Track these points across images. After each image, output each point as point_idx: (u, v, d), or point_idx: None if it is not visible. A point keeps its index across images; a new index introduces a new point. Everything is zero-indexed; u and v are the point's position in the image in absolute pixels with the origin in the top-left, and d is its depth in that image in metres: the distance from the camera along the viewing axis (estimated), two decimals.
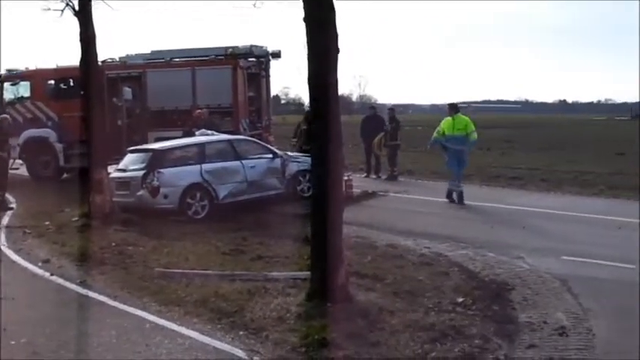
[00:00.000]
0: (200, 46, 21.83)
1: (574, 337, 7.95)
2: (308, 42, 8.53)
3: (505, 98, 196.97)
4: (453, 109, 17.60)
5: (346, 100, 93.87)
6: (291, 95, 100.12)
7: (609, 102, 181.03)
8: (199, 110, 19.45)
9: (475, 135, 17.43)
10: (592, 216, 15.41)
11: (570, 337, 7.92)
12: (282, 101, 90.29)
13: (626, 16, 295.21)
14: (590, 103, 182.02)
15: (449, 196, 17.49)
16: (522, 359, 7.36)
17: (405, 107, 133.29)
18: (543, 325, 8.33)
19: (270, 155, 16.61)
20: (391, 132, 22.34)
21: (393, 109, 24.14)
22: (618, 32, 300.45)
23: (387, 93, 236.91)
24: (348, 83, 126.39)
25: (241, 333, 8.03)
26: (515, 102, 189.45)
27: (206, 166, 15.47)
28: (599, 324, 8.32)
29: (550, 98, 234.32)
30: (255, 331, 8.04)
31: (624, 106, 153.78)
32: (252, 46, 21.24)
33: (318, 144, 8.58)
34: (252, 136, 19.33)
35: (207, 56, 21.27)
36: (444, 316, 8.36)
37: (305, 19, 8.52)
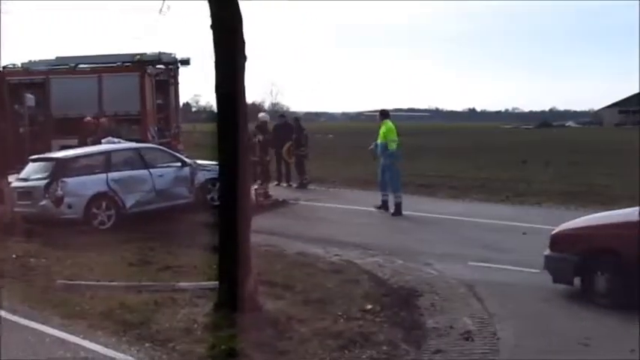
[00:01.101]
0: (107, 52, 21.43)
1: (479, 341, 8.07)
2: (215, 49, 8.44)
3: (416, 106, 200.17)
4: (382, 115, 17.46)
5: (258, 108, 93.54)
6: (202, 103, 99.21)
7: (516, 111, 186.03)
8: (88, 118, 19.01)
9: (393, 145, 17.00)
10: (498, 222, 15.72)
11: (476, 342, 8.04)
12: (193, 109, 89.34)
13: (532, 28, 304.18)
14: (498, 112, 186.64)
15: (383, 206, 17.17)
16: None
17: (318, 115, 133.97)
18: (450, 330, 8.43)
19: (179, 164, 16.39)
20: (297, 140, 22.47)
21: (298, 119, 24.35)
22: (525, 43, 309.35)
23: (300, 101, 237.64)
24: (260, 91, 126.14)
25: (147, 345, 7.86)
26: (425, 110, 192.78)
27: (112, 175, 15.15)
28: (503, 328, 8.47)
29: (460, 107, 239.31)
30: (161, 342, 7.88)
31: (531, 115, 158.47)
32: (160, 52, 20.94)
33: (224, 152, 8.48)
34: (160, 144, 19.03)
35: (113, 63, 20.84)
36: (352, 324, 8.38)
37: (212, 27, 8.43)
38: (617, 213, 11.09)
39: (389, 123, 17.26)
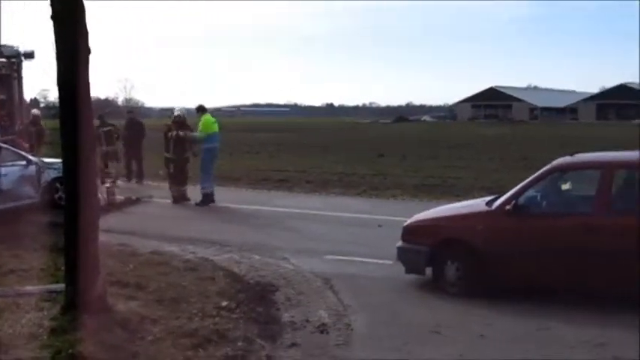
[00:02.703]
0: None
1: (334, 333, 8.11)
2: (55, 42, 8.03)
3: (275, 102, 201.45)
4: (199, 110, 18.21)
5: (111, 103, 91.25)
6: (51, 98, 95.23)
7: (373, 105, 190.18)
8: None
9: (202, 135, 17.83)
10: (355, 215, 15.97)
11: (330, 334, 8.08)
12: (42, 104, 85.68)
13: (389, 25, 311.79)
14: (356, 107, 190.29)
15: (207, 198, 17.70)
16: (284, 358, 7.39)
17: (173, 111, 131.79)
18: (305, 323, 8.44)
19: (24, 162, 15.60)
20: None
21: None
22: (382, 39, 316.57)
23: (155, 96, 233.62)
24: (114, 86, 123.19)
25: None
26: (284, 105, 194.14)
27: None
28: (357, 319, 8.56)
29: (318, 102, 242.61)
30: (3, 349, 7.42)
31: (388, 110, 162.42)
32: (0, 45, 19.91)
33: (68, 149, 8.09)
34: (3, 142, 18.07)
35: None
36: (207, 321, 8.23)
37: (52, 17, 8.02)
38: (466, 204, 11.46)
39: (207, 116, 18.07)
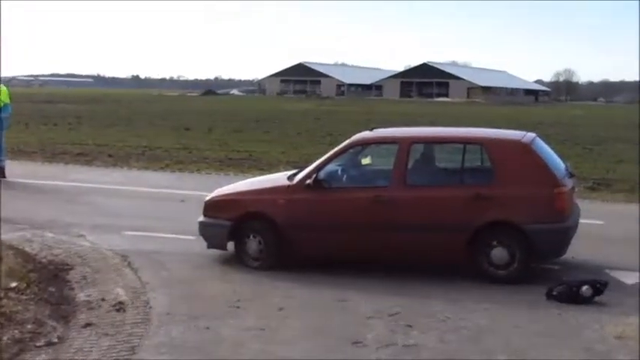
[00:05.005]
0: None
1: (131, 311, 7.86)
2: None
3: (76, 72, 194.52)
4: None
5: None
6: None
7: (181, 79, 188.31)
8: None
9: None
10: (157, 190, 15.64)
11: (128, 312, 7.82)
12: None
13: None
14: (163, 79, 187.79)
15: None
16: (77, 339, 7.06)
17: None
18: (101, 302, 8.12)
19: None
20: None
21: None
22: (191, 15, 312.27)
23: None
24: None
25: None
26: (86, 76, 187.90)
27: None
28: (156, 296, 8.34)
29: (123, 73, 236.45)
30: None
31: (196, 83, 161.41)
32: None
33: None
34: None
35: None
36: None
37: None
38: (268, 178, 11.49)
39: (2, 87, 16.96)
